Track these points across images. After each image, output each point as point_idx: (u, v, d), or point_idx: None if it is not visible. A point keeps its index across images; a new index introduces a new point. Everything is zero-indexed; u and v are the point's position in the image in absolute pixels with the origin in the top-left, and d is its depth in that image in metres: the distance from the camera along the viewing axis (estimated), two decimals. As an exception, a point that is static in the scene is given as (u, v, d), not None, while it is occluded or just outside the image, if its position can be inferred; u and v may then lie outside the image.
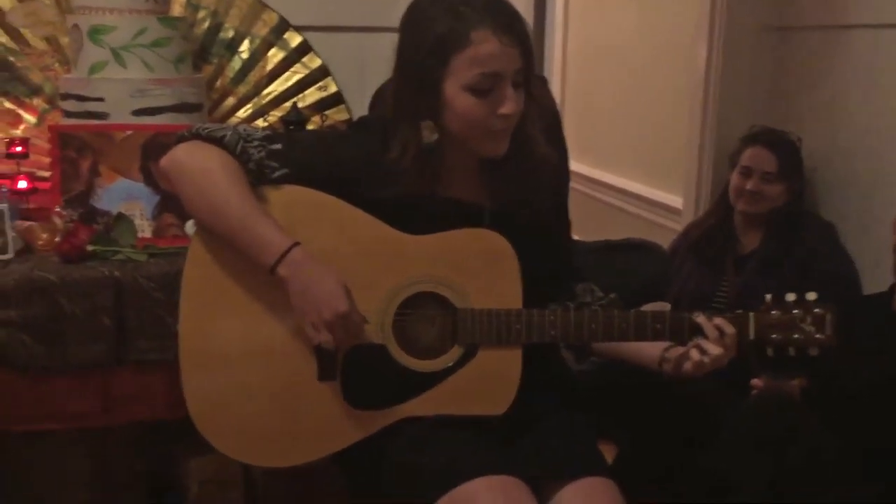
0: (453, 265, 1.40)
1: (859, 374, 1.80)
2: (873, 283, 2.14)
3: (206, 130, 1.41)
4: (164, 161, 1.42)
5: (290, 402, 1.42)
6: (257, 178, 1.40)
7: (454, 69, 1.33)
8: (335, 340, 1.34)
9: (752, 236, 2.36)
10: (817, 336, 1.34)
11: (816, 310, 1.34)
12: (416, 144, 1.37)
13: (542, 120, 1.48)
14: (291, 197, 1.41)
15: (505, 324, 1.39)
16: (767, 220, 2.33)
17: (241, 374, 1.42)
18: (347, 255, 1.40)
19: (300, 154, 1.42)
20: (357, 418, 1.41)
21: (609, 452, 1.82)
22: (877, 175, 2.28)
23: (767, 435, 1.78)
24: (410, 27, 1.38)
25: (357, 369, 1.40)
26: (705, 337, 1.39)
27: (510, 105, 1.35)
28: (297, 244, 1.36)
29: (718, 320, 1.39)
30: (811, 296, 1.35)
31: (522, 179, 1.44)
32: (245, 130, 1.42)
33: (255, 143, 1.41)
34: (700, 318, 1.39)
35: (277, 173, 1.40)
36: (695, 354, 1.40)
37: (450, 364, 1.41)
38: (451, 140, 1.39)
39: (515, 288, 1.40)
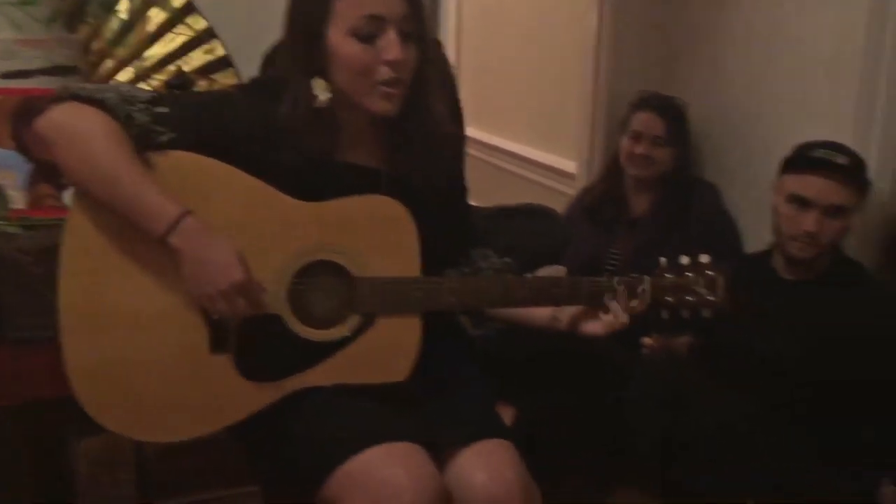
0: (350, 233, 1.38)
1: (742, 331, 1.89)
2: (754, 241, 2.24)
3: (86, 91, 1.33)
4: (40, 124, 1.33)
5: (181, 374, 1.38)
6: (143, 143, 1.33)
7: (337, 13, 1.32)
8: (231, 311, 1.31)
9: (643, 200, 2.43)
10: (710, 298, 1.39)
11: (709, 272, 1.39)
12: (308, 102, 1.34)
13: (442, 90, 1.46)
14: (179, 163, 1.35)
15: (403, 292, 1.38)
16: (657, 184, 2.40)
17: (128, 346, 1.37)
18: (240, 223, 1.36)
19: (188, 117, 1.35)
20: (252, 390, 1.38)
21: (508, 415, 1.85)
22: (757, 138, 2.38)
23: (658, 391, 1.85)
24: None
25: (251, 340, 1.36)
26: (602, 304, 1.42)
27: (394, 50, 1.33)
28: (188, 212, 1.31)
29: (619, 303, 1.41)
30: (704, 258, 1.39)
31: (420, 145, 1.43)
32: (129, 91, 1.35)
33: (140, 105, 1.34)
34: (612, 302, 1.40)
35: (164, 138, 1.34)
36: (590, 320, 1.44)
37: (347, 333, 1.39)
38: (343, 99, 1.37)
39: (413, 255, 1.39)
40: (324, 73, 1.35)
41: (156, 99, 1.36)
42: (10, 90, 1.93)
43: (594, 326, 1.44)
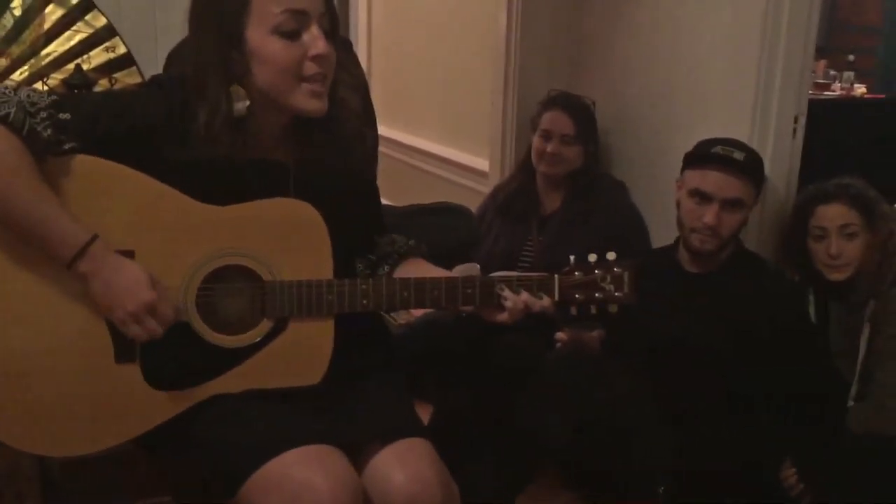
0: (260, 236, 1.35)
1: (649, 323, 1.95)
2: (661, 236, 2.31)
3: None
4: None
5: (85, 385, 1.33)
6: (45, 154, 1.28)
7: (257, 11, 1.29)
8: (143, 331, 1.28)
9: (554, 197, 2.47)
10: (617, 294, 1.43)
11: (616, 269, 1.43)
12: (227, 110, 1.30)
13: (355, 90, 1.45)
14: (83, 168, 1.30)
15: (316, 295, 1.37)
16: (567, 182, 2.45)
17: (26, 356, 1.31)
18: (146, 229, 1.32)
19: (90, 122, 1.30)
20: (160, 399, 1.34)
21: (425, 413, 1.86)
22: (661, 135, 2.46)
23: (571, 384, 1.89)
24: None
25: (158, 348, 1.32)
26: (509, 305, 1.43)
27: (321, 44, 1.32)
28: (95, 237, 1.27)
29: (525, 296, 1.43)
30: (611, 256, 1.43)
31: (329, 140, 1.42)
32: (30, 98, 1.28)
33: (43, 114, 1.27)
34: (505, 293, 1.42)
35: (67, 146, 1.29)
36: (499, 316, 1.45)
37: (258, 338, 1.37)
38: (262, 102, 1.34)
39: (326, 258, 1.37)
40: (242, 77, 1.32)
41: (57, 104, 1.30)
42: None
43: (501, 317, 1.45)
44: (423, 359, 2.08)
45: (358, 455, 1.37)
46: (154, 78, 1.46)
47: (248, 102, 1.32)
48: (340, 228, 1.39)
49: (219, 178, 1.33)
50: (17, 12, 2.34)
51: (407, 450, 1.38)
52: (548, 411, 1.89)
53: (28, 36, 2.36)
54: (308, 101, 1.34)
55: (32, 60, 2.37)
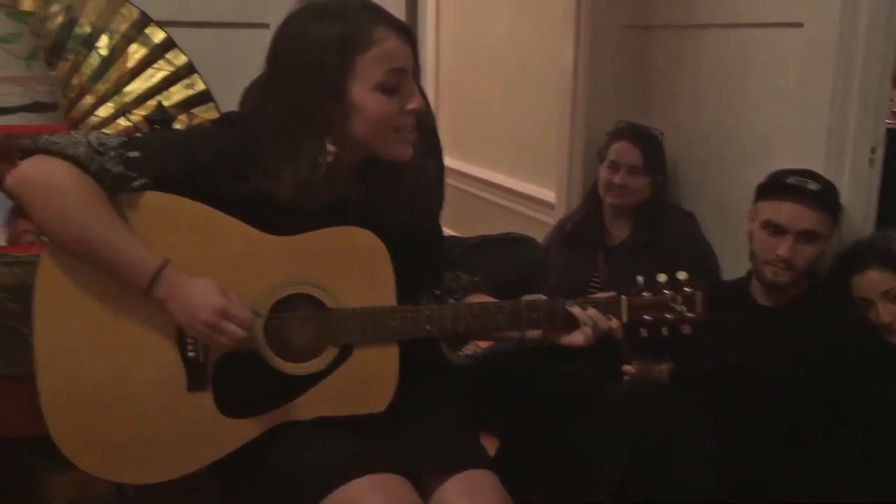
0: (324, 265, 1.38)
1: (722, 357, 1.90)
2: (732, 268, 2.27)
3: (56, 146, 1.31)
4: (11, 181, 1.32)
5: (158, 414, 1.37)
6: (116, 191, 1.34)
7: (360, 71, 1.32)
8: (226, 337, 1.30)
9: (621, 228, 2.45)
10: (689, 314, 1.39)
11: (687, 289, 1.39)
12: (325, 161, 1.34)
13: (420, 121, 1.48)
14: (152, 204, 1.35)
15: (380, 321, 1.38)
16: (635, 212, 2.42)
17: (104, 388, 1.36)
18: (214, 260, 1.36)
19: (159, 159, 1.36)
20: (232, 427, 1.37)
21: (491, 445, 1.85)
22: (732, 166, 2.42)
23: (632, 415, 1.85)
24: (296, 39, 1.34)
25: (229, 377, 1.36)
26: (578, 325, 1.42)
27: (417, 100, 1.37)
28: (167, 262, 1.31)
29: (592, 311, 1.42)
30: (682, 275, 1.40)
31: (392, 175, 1.44)
32: (98, 139, 1.34)
33: (112, 153, 1.33)
34: (574, 310, 1.41)
35: (137, 183, 1.34)
36: (565, 339, 1.43)
37: (324, 366, 1.39)
38: (348, 147, 1.37)
39: (388, 284, 1.39)
40: (337, 128, 1.35)
41: (127, 143, 1.36)
42: (-10, 127, 1.93)
43: (574, 337, 1.44)
44: (486, 390, 2.08)
45: (422, 484, 1.37)
46: (225, 115, 1.51)
47: (336, 150, 1.35)
48: (403, 261, 1.41)
49: (284, 211, 1.36)
50: (104, 52, 2.46)
51: (472, 481, 1.38)
52: (604, 442, 1.86)
53: (112, 74, 2.47)
54: (401, 149, 1.39)
55: (116, 97, 2.48)
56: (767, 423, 1.83)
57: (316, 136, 1.34)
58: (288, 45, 1.35)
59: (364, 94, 1.33)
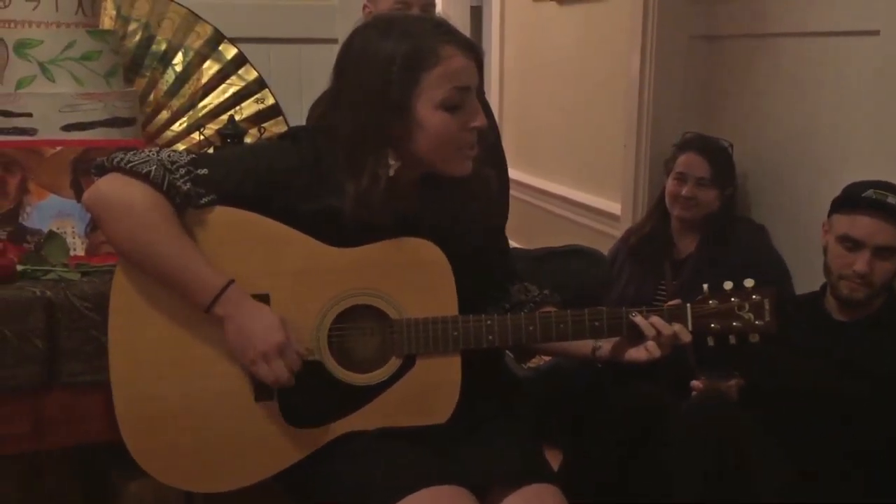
0: (386, 276, 1.39)
1: (794, 373, 1.85)
2: (805, 283, 2.21)
3: (130, 164, 1.35)
4: (86, 197, 1.38)
5: (227, 424, 1.40)
6: (185, 207, 1.37)
7: (425, 88, 1.33)
8: (272, 373, 1.32)
9: (689, 240, 2.41)
10: (757, 322, 1.36)
11: (754, 296, 1.36)
12: (386, 175, 1.35)
13: (483, 137, 1.48)
14: (219, 219, 1.38)
15: (441, 332, 1.39)
16: (703, 225, 2.38)
17: (174, 398, 1.39)
18: (278, 274, 1.38)
19: (226, 175, 1.39)
20: (297, 437, 1.40)
21: (554, 459, 1.84)
22: (805, 178, 2.36)
23: (706, 434, 1.81)
24: (364, 54, 1.35)
25: (294, 387, 1.38)
26: (643, 335, 1.41)
27: (481, 118, 1.37)
28: (231, 282, 1.34)
29: (655, 319, 1.41)
30: (749, 283, 1.37)
31: (458, 192, 1.45)
32: (169, 158, 1.37)
33: (182, 171, 1.37)
34: (637, 318, 1.40)
35: (205, 199, 1.37)
36: (631, 350, 1.42)
37: (388, 376, 1.40)
38: (410, 163, 1.39)
39: (450, 295, 1.40)
40: (399, 143, 1.36)
41: (196, 161, 1.39)
42: (71, 141, 2.00)
43: (637, 353, 1.42)
44: (550, 403, 2.06)
45: (485, 497, 1.37)
46: (291, 130, 1.54)
47: (398, 164, 1.36)
48: (468, 274, 1.41)
49: (348, 225, 1.38)
50: (178, 68, 2.54)
51: (536, 495, 1.37)
52: (677, 461, 1.82)
53: (187, 90, 2.55)
54: (461, 165, 1.40)
55: (191, 112, 2.56)
56: (841, 445, 1.78)
57: (378, 151, 1.35)
58: (354, 60, 1.37)
59: (427, 111, 1.34)
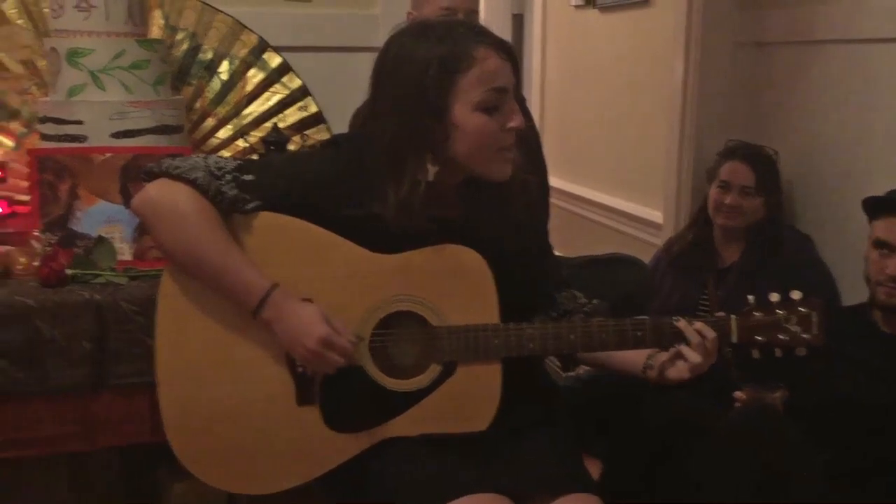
0: (428, 282, 1.40)
1: (840, 385, 1.82)
2: (851, 293, 2.16)
3: (178, 170, 1.38)
4: (136, 202, 1.41)
5: (270, 427, 1.41)
6: (231, 212, 1.40)
7: (462, 90, 1.33)
8: (326, 365, 1.35)
9: (732, 250, 2.38)
10: (804, 336, 1.34)
11: (801, 309, 1.34)
12: (426, 179, 1.36)
13: (522, 140, 1.48)
14: (264, 224, 1.40)
15: (482, 339, 1.39)
16: (747, 234, 2.35)
17: (219, 401, 1.41)
18: (321, 279, 1.40)
19: (272, 183, 1.41)
20: (338, 441, 1.41)
21: (595, 468, 1.82)
22: (853, 186, 2.31)
23: (751, 447, 1.79)
24: (400, 60, 1.36)
25: (336, 392, 1.39)
26: (687, 342, 1.40)
27: (518, 118, 1.37)
28: (276, 285, 1.36)
29: (699, 325, 1.39)
30: (796, 295, 1.34)
31: (499, 197, 1.45)
32: (216, 164, 1.40)
33: (228, 177, 1.39)
34: (680, 324, 1.39)
35: (251, 205, 1.40)
36: (676, 361, 1.41)
37: (428, 383, 1.40)
38: (449, 166, 1.39)
39: (491, 303, 1.40)
40: (437, 147, 1.36)
41: (242, 167, 1.42)
42: (120, 148, 2.05)
43: (679, 371, 1.41)
44: (591, 411, 2.05)
45: (525, 506, 1.37)
46: (333, 138, 1.55)
47: (437, 169, 1.37)
48: (511, 281, 1.41)
49: (390, 231, 1.38)
50: (224, 76, 2.58)
51: (577, 505, 1.36)
52: (720, 474, 1.79)
53: (232, 98, 2.59)
54: (500, 168, 1.40)
55: (235, 119, 2.60)
56: (889, 459, 1.74)
57: (417, 155, 1.36)
58: (390, 66, 1.38)
59: (465, 113, 1.34)
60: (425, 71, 1.32)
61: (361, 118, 1.49)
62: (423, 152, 1.36)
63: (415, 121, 1.34)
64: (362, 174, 1.40)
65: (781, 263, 2.27)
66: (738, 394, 1.92)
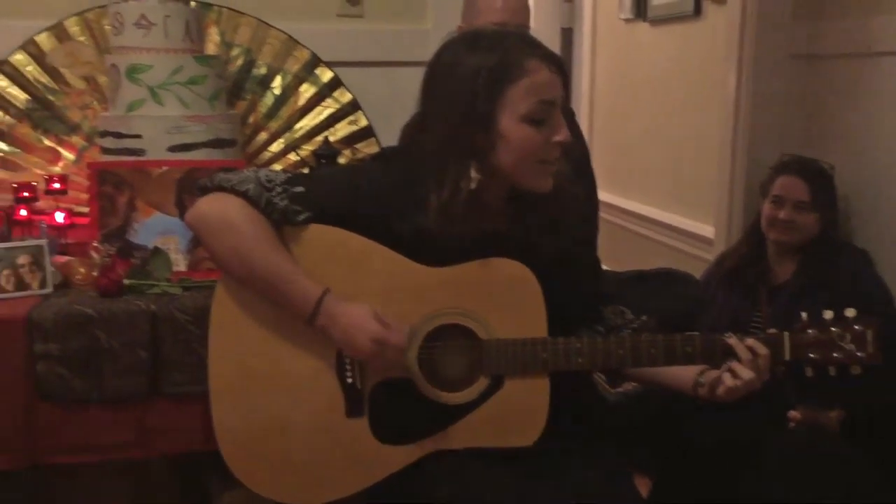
0: (476, 296, 1.40)
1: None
2: (911, 312, 2.10)
3: (230, 183, 1.41)
4: (189, 216, 1.43)
5: (319, 439, 1.43)
6: (282, 223, 1.42)
7: (510, 101, 1.34)
8: (382, 362, 1.36)
9: (786, 266, 2.33)
10: (859, 354, 1.31)
11: (856, 326, 1.32)
12: (467, 188, 1.36)
13: (570, 153, 1.48)
14: (314, 236, 1.42)
15: (531, 353, 1.39)
16: (801, 250, 2.30)
17: (270, 412, 1.43)
18: (371, 292, 1.41)
19: (322, 195, 1.42)
20: (386, 454, 1.41)
21: (644, 486, 1.80)
22: (912, 202, 2.26)
23: (808, 468, 1.75)
24: (450, 68, 1.37)
25: (385, 404, 1.40)
26: (738, 359, 1.37)
27: (564, 132, 1.37)
28: (327, 290, 1.38)
29: (751, 341, 1.37)
30: (850, 312, 1.32)
31: (546, 210, 1.45)
32: (267, 177, 1.42)
33: (279, 189, 1.41)
34: (731, 340, 1.37)
35: (301, 217, 1.41)
36: (727, 378, 1.38)
37: (476, 396, 1.41)
38: (493, 177, 1.39)
39: (540, 317, 1.40)
40: (482, 157, 1.37)
41: (292, 179, 1.44)
42: (176, 162, 2.10)
43: (731, 389, 1.38)
44: (640, 429, 2.02)
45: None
46: (382, 150, 1.57)
47: (480, 178, 1.37)
48: (558, 295, 1.41)
49: (440, 244, 1.39)
50: (277, 91, 2.63)
51: (625, 523, 1.35)
52: (775, 494, 1.76)
53: (284, 112, 2.64)
54: (541, 180, 1.40)
55: (287, 133, 2.64)
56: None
57: (461, 163, 1.36)
58: (441, 73, 1.39)
59: (511, 124, 1.35)
60: (475, 79, 1.33)
61: (410, 130, 1.50)
62: (468, 160, 1.36)
63: (461, 128, 1.35)
64: (410, 186, 1.41)
65: (837, 280, 2.22)
66: (792, 413, 1.88)
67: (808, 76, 2.68)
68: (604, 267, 1.64)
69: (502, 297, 1.40)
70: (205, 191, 1.44)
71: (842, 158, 2.45)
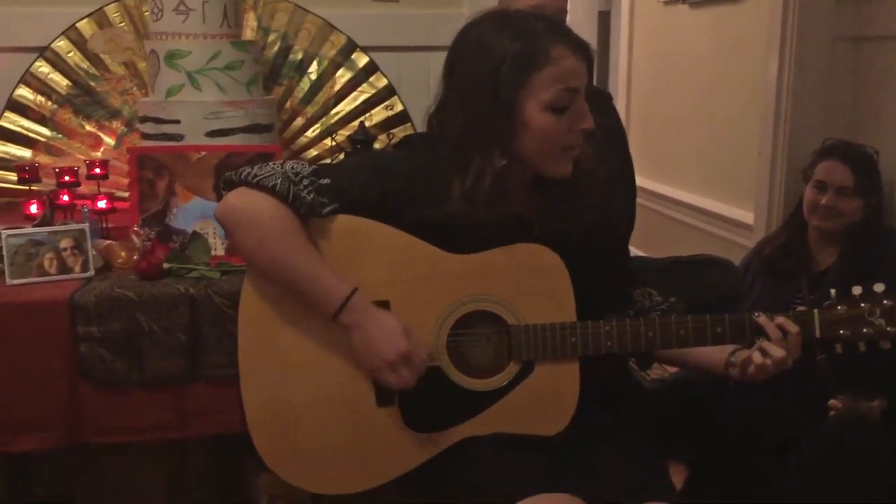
0: (504, 282, 1.40)
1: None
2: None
3: (256, 178, 1.40)
4: (218, 211, 1.43)
5: (350, 428, 1.43)
6: (309, 216, 1.41)
7: (534, 88, 1.32)
8: (397, 380, 1.36)
9: (828, 252, 2.29)
10: (889, 329, 1.30)
11: (886, 301, 1.30)
12: (492, 172, 1.35)
13: (608, 140, 1.46)
14: (342, 227, 1.42)
15: (560, 338, 1.38)
16: (843, 236, 2.26)
17: (299, 402, 1.43)
18: (398, 280, 1.41)
19: (348, 185, 1.42)
20: (417, 441, 1.42)
21: (680, 474, 1.79)
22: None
23: (850, 458, 1.72)
24: (475, 51, 1.36)
25: (415, 392, 1.40)
26: (768, 338, 1.36)
27: (588, 120, 1.36)
28: (355, 290, 1.37)
29: (780, 319, 1.36)
30: (879, 287, 1.30)
31: (573, 195, 1.43)
32: (293, 169, 1.41)
33: (305, 181, 1.41)
34: (761, 319, 1.36)
35: (328, 209, 1.41)
36: (757, 357, 1.37)
37: (506, 382, 1.40)
38: (515, 163, 1.39)
39: (568, 301, 1.39)
40: (505, 143, 1.36)
41: (318, 171, 1.43)
42: (214, 147, 2.12)
43: (762, 368, 1.36)
44: (677, 416, 2.01)
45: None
46: (406, 138, 1.55)
47: (503, 163, 1.36)
48: (585, 279, 1.40)
49: (465, 231, 1.38)
50: (313, 76, 2.64)
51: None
52: (818, 488, 1.73)
53: (321, 97, 2.64)
54: (563, 167, 1.39)
55: (323, 119, 2.65)
56: None
57: (485, 149, 1.35)
58: (465, 55, 1.37)
59: (534, 111, 1.33)
60: (499, 66, 1.31)
61: (434, 116, 1.48)
62: (491, 147, 1.35)
63: (484, 115, 1.34)
64: (434, 173, 1.40)
65: (880, 266, 2.17)
66: (833, 402, 1.86)
67: (852, 59, 2.63)
68: (640, 253, 1.62)
69: (530, 283, 1.39)
70: (231, 185, 1.43)
71: (886, 143, 2.40)
